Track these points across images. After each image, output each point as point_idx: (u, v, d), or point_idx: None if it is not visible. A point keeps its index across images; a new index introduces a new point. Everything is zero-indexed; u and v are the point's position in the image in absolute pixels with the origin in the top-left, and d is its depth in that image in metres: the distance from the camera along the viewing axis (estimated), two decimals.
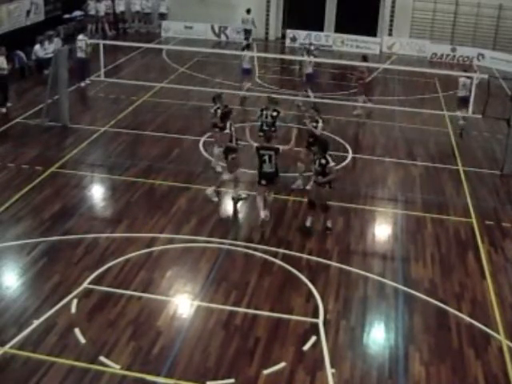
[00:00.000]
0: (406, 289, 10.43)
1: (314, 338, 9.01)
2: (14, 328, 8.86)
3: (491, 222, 12.93)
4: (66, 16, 25.95)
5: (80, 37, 20.90)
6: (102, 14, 27.73)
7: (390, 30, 28.84)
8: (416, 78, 23.65)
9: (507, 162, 15.21)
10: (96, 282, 10.08)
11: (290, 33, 29.15)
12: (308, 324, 9.37)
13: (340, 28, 29.19)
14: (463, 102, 16.97)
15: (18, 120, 17.11)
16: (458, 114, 17.54)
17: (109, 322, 9.14)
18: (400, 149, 16.78)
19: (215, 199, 12.98)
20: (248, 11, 27.29)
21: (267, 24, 29.80)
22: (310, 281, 10.41)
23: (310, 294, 10.08)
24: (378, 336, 9.33)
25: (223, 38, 29.45)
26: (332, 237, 11.92)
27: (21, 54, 21.08)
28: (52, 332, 8.84)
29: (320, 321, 9.41)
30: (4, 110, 17.70)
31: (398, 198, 13.90)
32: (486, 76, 17.18)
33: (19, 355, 8.38)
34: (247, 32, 27.69)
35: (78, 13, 26.62)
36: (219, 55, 24.56)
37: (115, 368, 8.25)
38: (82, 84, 20.36)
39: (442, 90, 22.53)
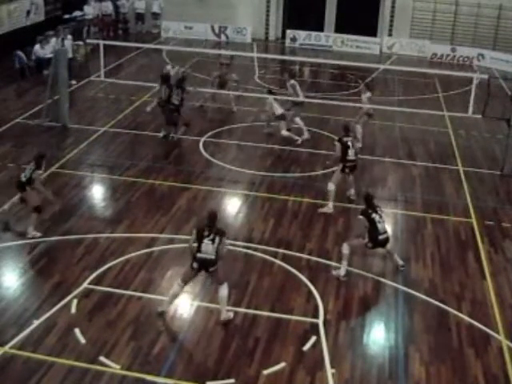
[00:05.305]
0: (405, 289, 10.43)
1: (314, 338, 9.01)
2: (14, 328, 8.86)
3: (491, 222, 12.93)
4: (66, 16, 25.94)
5: (66, 42, 20.22)
6: (90, 16, 27.23)
7: (390, 30, 28.83)
8: (416, 78, 23.63)
9: (507, 162, 15.22)
10: (96, 281, 10.08)
11: (290, 33, 29.17)
12: (308, 324, 9.36)
13: (340, 28, 29.19)
14: None
15: (17, 120, 17.10)
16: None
17: (109, 322, 9.14)
18: (400, 149, 16.78)
19: None
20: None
21: (267, 24, 29.79)
22: (310, 281, 10.41)
23: (310, 294, 10.07)
24: (378, 336, 9.33)
25: (223, 38, 29.46)
26: (332, 237, 11.92)
27: (21, 54, 21.05)
28: (52, 332, 8.83)
29: (320, 321, 9.41)
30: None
31: (397, 198, 13.90)
32: (486, 76, 17.17)
33: (19, 355, 8.38)
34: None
35: (78, 13, 26.59)
36: (219, 55, 24.50)
37: (115, 368, 8.25)
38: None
39: (442, 90, 22.53)
